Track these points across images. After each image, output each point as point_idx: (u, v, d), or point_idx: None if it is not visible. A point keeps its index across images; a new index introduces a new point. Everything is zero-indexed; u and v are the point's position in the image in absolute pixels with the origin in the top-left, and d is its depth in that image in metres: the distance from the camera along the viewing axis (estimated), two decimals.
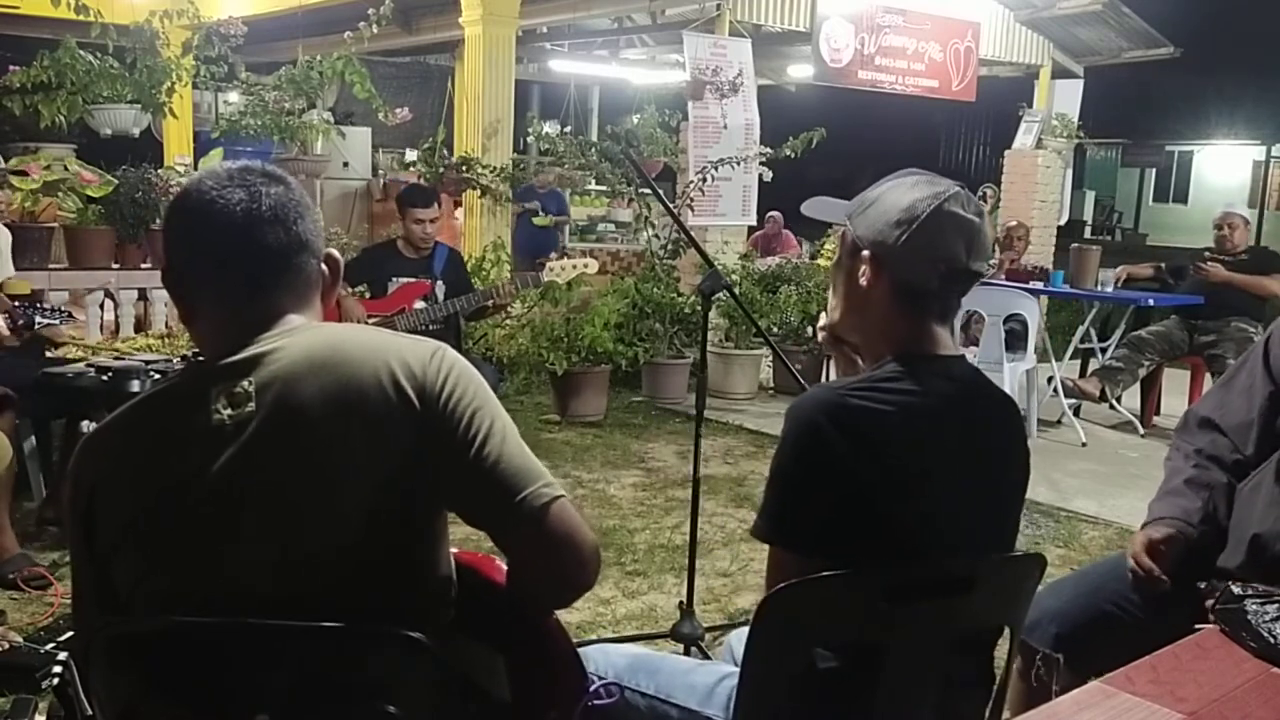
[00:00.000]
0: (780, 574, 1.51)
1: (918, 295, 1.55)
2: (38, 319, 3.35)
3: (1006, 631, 1.68)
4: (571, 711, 1.48)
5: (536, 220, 8.77)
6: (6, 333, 3.25)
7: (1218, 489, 2.05)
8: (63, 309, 3.52)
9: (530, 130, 7.69)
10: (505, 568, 1.43)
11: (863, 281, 1.57)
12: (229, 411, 1.26)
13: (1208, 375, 5.96)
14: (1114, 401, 6.22)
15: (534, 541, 1.32)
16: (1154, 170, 27.47)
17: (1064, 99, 10.29)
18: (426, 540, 1.35)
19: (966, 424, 1.55)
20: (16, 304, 3.34)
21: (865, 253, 1.56)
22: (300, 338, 1.31)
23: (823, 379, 6.79)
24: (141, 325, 5.49)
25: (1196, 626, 1.79)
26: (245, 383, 1.27)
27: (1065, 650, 2.01)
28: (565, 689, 1.47)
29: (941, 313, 1.58)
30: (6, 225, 4.46)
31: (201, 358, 1.38)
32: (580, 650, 1.71)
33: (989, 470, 1.59)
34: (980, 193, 9.62)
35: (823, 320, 1.84)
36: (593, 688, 1.66)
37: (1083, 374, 6.55)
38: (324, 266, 1.41)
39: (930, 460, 1.51)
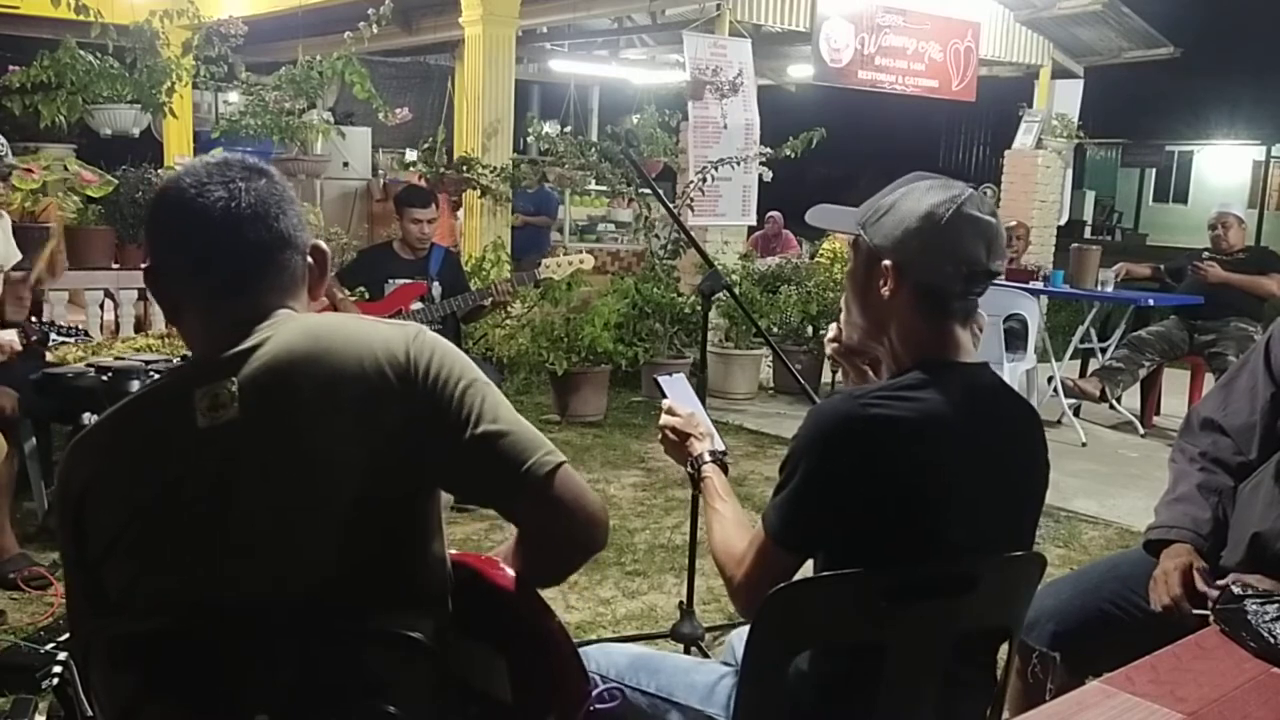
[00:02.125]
0: (774, 566, 1.52)
1: (941, 299, 1.54)
2: (53, 336, 3.35)
3: (1007, 631, 1.68)
4: (575, 716, 1.48)
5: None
6: (19, 348, 3.25)
7: (1225, 493, 2.04)
8: (78, 328, 3.51)
9: (530, 130, 7.68)
10: (507, 570, 1.43)
11: (885, 291, 1.55)
12: (214, 412, 1.25)
13: (1208, 375, 5.96)
14: (1114, 401, 6.22)
15: (543, 508, 1.33)
16: (1154, 170, 27.48)
17: (1064, 99, 10.28)
18: (421, 531, 1.35)
19: (987, 433, 1.55)
20: (33, 320, 3.34)
21: (886, 261, 1.55)
22: (282, 332, 1.30)
23: (822, 380, 6.80)
24: (141, 325, 5.48)
25: (1196, 612, 1.79)
26: (229, 382, 1.26)
27: (1063, 649, 2.01)
28: (567, 693, 1.47)
29: (964, 315, 1.58)
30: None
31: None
32: (581, 650, 1.71)
33: (1009, 480, 1.58)
34: (980, 193, 9.61)
35: (832, 333, 1.83)
36: (595, 691, 1.66)
37: (1083, 374, 6.55)
38: (309, 259, 1.40)
39: (948, 470, 1.50)
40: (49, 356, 3.85)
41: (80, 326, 3.56)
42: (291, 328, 1.31)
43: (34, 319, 3.40)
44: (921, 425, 1.48)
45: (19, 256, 4.01)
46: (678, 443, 1.89)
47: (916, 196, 1.55)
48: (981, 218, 1.53)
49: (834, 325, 1.83)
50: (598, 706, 1.66)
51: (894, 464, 1.47)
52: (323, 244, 1.42)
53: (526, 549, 1.41)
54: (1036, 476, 1.64)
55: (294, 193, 1.40)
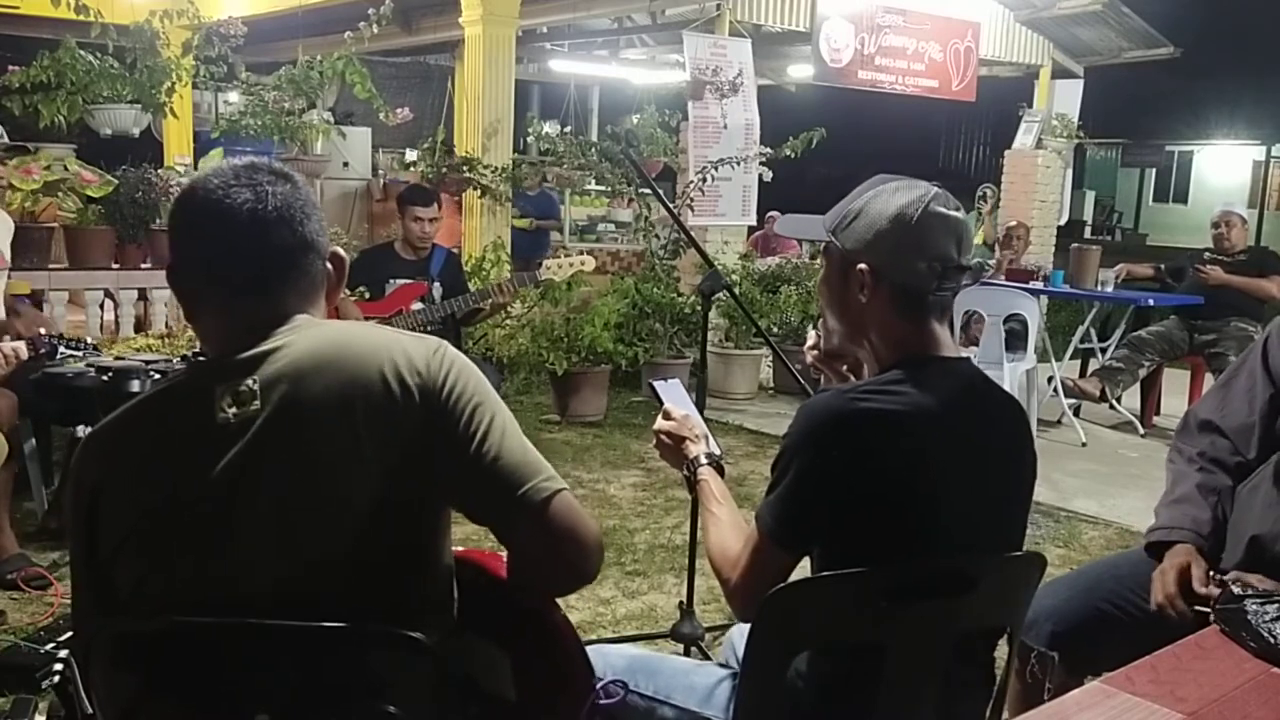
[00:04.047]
0: (770, 565, 1.53)
1: (917, 297, 1.56)
2: (61, 348, 3.36)
3: (1006, 631, 1.68)
4: (579, 710, 1.49)
5: (516, 222, 8.76)
6: (25, 358, 3.26)
7: (1224, 493, 2.03)
8: (86, 341, 3.52)
9: (530, 130, 7.68)
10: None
11: (863, 295, 1.58)
12: (234, 410, 1.26)
13: (1208, 375, 5.96)
14: (1114, 401, 6.22)
15: (536, 535, 1.33)
16: (1154, 170, 27.47)
17: (1064, 99, 10.28)
18: (428, 538, 1.35)
19: (973, 424, 1.56)
20: (42, 333, 3.35)
21: (862, 265, 1.57)
22: (304, 336, 1.31)
23: (822, 380, 6.82)
24: (141, 325, 5.48)
25: (1198, 608, 1.79)
26: (250, 381, 1.27)
27: (1061, 649, 2.00)
28: (572, 687, 1.47)
29: (940, 310, 1.59)
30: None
31: (203, 356, 1.38)
32: None
33: (997, 471, 1.59)
34: (980, 193, 9.62)
35: (811, 340, 1.87)
36: (599, 685, 1.66)
37: (1083, 374, 6.55)
38: (329, 265, 1.41)
39: (937, 462, 1.51)
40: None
41: (89, 340, 3.57)
42: (313, 333, 1.32)
43: (42, 331, 3.41)
44: (909, 418, 1.49)
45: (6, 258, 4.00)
46: (673, 446, 1.88)
47: (885, 198, 1.57)
48: (949, 214, 1.56)
49: (812, 334, 1.85)
50: (602, 701, 1.67)
51: (884, 457, 1.48)
52: (341, 251, 1.43)
53: (517, 570, 1.41)
54: (1024, 468, 1.65)
55: (317, 199, 1.40)
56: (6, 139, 3.88)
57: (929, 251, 1.54)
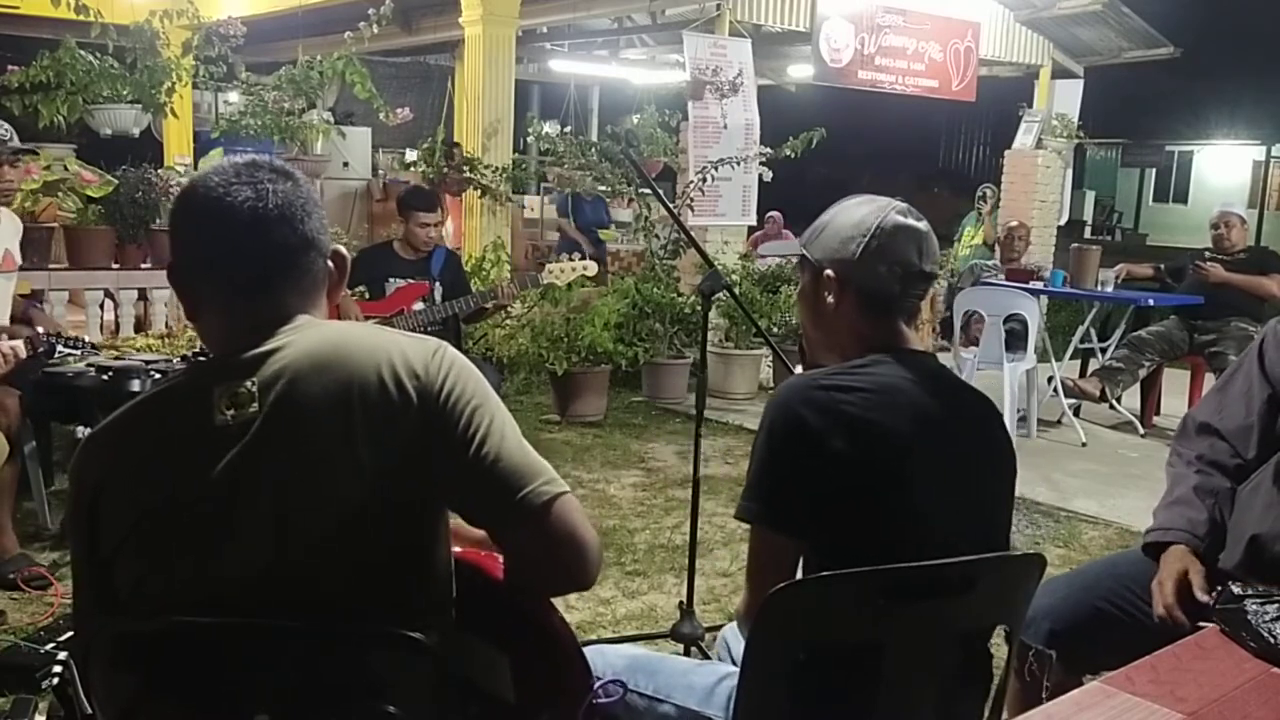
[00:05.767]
0: (768, 556, 1.56)
1: (881, 300, 1.66)
2: (60, 348, 3.36)
3: (1006, 631, 1.68)
4: (576, 709, 1.49)
5: (604, 235, 8.79)
6: (24, 356, 3.26)
7: (1222, 495, 2.04)
8: (84, 339, 3.52)
9: (530, 130, 7.69)
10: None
11: (830, 300, 1.68)
12: (232, 411, 1.26)
13: (1208, 375, 5.96)
14: (1114, 401, 6.21)
15: (534, 539, 1.32)
16: (1154, 170, 27.46)
17: (1064, 99, 10.28)
18: (427, 540, 1.35)
19: (941, 405, 1.61)
20: (41, 332, 3.36)
21: (828, 272, 1.68)
22: (303, 337, 1.31)
23: None
24: (141, 325, 5.48)
25: (1198, 625, 1.79)
26: (248, 382, 1.27)
27: (1059, 647, 2.00)
28: (570, 686, 1.48)
29: (907, 313, 1.69)
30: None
31: (203, 356, 1.38)
32: None
33: (972, 455, 1.64)
34: (980, 193, 9.62)
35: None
36: (597, 684, 1.66)
37: (1083, 374, 6.55)
38: (330, 264, 1.40)
39: (907, 433, 1.55)
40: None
41: (85, 339, 3.57)
42: (313, 334, 1.31)
43: (40, 330, 3.42)
44: (874, 390, 1.57)
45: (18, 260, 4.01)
46: None
47: (849, 211, 1.70)
48: (909, 224, 1.66)
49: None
50: (600, 700, 1.67)
51: (848, 430, 1.52)
52: (343, 249, 1.43)
53: (514, 573, 1.40)
54: (1001, 459, 1.69)
55: (318, 196, 1.40)
56: (17, 140, 3.88)
57: (889, 257, 1.64)
